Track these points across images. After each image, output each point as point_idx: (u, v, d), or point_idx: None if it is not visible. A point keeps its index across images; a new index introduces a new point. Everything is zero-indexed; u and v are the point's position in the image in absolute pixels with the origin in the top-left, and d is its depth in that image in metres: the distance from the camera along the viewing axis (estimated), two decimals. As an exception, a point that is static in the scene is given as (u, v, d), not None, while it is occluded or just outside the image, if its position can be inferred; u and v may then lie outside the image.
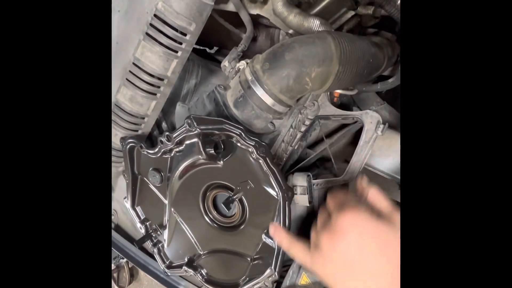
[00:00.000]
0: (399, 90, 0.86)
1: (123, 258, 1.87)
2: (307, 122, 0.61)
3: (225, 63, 0.59)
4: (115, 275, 1.88)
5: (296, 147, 0.64)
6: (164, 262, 0.66)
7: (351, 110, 0.77)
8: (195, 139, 0.52)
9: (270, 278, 0.50)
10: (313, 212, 0.78)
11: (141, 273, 1.93)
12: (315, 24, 0.53)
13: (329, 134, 0.72)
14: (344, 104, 0.76)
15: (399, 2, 0.49)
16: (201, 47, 0.97)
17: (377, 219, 0.36)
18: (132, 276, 1.92)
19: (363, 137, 0.57)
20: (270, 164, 0.48)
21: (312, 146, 0.73)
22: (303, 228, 0.76)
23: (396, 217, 0.36)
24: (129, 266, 1.89)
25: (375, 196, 0.40)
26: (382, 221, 0.36)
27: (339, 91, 0.68)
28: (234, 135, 0.49)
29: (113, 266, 1.86)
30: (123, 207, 0.76)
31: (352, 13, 0.54)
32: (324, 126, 0.69)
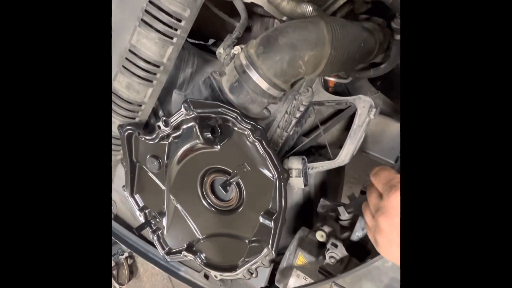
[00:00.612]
0: (393, 80, 0.87)
1: (122, 255, 1.87)
2: (302, 108, 0.62)
3: (220, 50, 0.60)
4: (114, 272, 1.88)
5: (291, 133, 0.65)
6: (163, 249, 0.67)
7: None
8: (192, 123, 0.53)
9: (267, 257, 0.51)
10: (310, 200, 0.80)
11: (141, 269, 1.94)
12: (308, 10, 0.54)
13: (324, 121, 0.73)
14: (339, 93, 0.77)
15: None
16: (197, 41, 0.97)
17: None
18: (132, 273, 1.92)
19: (356, 121, 0.58)
20: (266, 146, 0.50)
21: (307, 134, 0.74)
22: (301, 215, 0.78)
23: None
24: (129, 263, 1.89)
25: None
26: None
27: (333, 79, 0.69)
28: (231, 118, 0.51)
29: (112, 263, 1.86)
30: (121, 197, 0.76)
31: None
32: (319, 113, 0.71)
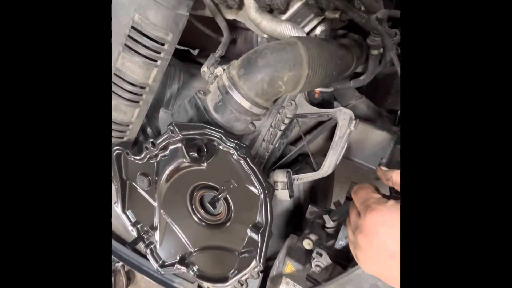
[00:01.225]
0: (378, 82, 0.90)
1: (118, 262, 1.88)
2: (286, 121, 0.65)
3: (204, 68, 0.62)
4: (111, 280, 1.89)
5: (277, 145, 0.67)
6: (157, 262, 0.69)
7: (332, 105, 0.81)
8: (179, 144, 0.55)
9: (255, 269, 0.54)
10: (300, 206, 0.83)
11: (138, 276, 1.95)
12: (287, 28, 0.57)
13: (309, 131, 0.75)
14: (325, 100, 0.80)
15: (362, 7, 0.53)
16: (185, 48, 0.99)
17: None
18: (129, 279, 1.93)
19: (337, 133, 0.61)
20: (250, 164, 0.52)
21: (294, 142, 0.77)
22: (291, 221, 0.81)
23: None
24: (125, 269, 1.90)
25: (399, 176, 0.41)
26: None
27: (319, 89, 0.72)
28: (215, 138, 0.53)
29: (109, 271, 1.85)
30: (114, 212, 0.78)
31: (320, 18, 0.58)
32: (304, 123, 0.73)
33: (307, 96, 0.69)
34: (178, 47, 0.94)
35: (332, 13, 0.55)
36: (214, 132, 0.52)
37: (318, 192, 0.90)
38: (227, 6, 0.63)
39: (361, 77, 0.68)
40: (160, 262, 0.68)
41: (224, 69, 0.55)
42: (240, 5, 0.60)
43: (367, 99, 0.86)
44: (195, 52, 1.03)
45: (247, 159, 0.52)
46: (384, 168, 0.46)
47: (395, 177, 0.42)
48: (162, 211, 0.65)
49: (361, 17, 0.51)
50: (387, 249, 0.37)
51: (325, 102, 0.79)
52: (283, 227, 0.81)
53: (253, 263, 0.53)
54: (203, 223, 0.61)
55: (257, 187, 0.52)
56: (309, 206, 0.73)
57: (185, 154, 0.53)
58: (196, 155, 0.53)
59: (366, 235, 0.39)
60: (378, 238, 0.38)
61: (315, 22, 0.60)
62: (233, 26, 0.71)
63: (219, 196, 0.54)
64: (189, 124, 0.53)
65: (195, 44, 0.98)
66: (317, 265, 0.55)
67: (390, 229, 0.37)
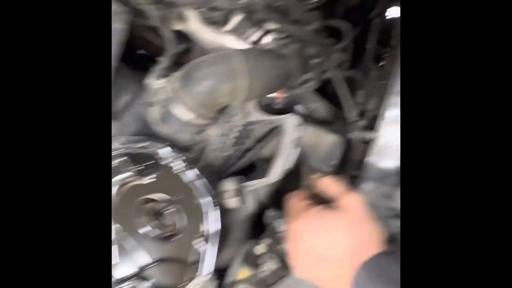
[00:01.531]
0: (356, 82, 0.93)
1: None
2: (237, 129, 0.66)
3: (149, 80, 0.62)
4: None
5: (231, 152, 0.68)
6: (114, 277, 0.67)
7: (292, 109, 0.84)
8: (124, 158, 0.54)
9: (206, 278, 0.55)
10: (264, 209, 0.84)
11: None
12: (228, 40, 0.58)
13: (265, 136, 0.77)
14: (287, 105, 0.82)
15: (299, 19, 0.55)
16: (150, 53, 0.97)
17: (324, 212, 0.41)
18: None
19: (285, 139, 0.63)
20: (195, 174, 0.53)
21: (251, 149, 0.78)
22: (254, 226, 0.82)
23: (343, 199, 0.41)
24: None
25: (326, 184, 0.46)
26: (329, 210, 0.41)
27: (278, 95, 0.74)
28: (160, 151, 0.53)
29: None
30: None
31: (261, 30, 0.60)
32: (258, 130, 0.75)
33: (260, 103, 0.71)
34: (144, 52, 0.93)
35: (271, 25, 0.57)
36: (158, 144, 0.52)
37: (284, 194, 0.92)
38: (172, 18, 0.63)
39: (309, 84, 0.71)
40: (117, 277, 0.67)
41: (167, 82, 0.56)
42: (181, 17, 0.60)
43: (326, 102, 0.89)
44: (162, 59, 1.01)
45: (192, 170, 0.52)
46: (313, 177, 0.48)
47: (321, 184, 0.45)
48: (115, 225, 0.64)
49: (296, 29, 0.53)
50: (313, 254, 0.39)
51: (286, 108, 0.81)
52: (245, 233, 0.82)
53: (202, 272, 0.54)
54: (155, 236, 0.61)
55: (203, 197, 0.53)
56: (267, 210, 0.75)
57: (131, 167, 0.53)
58: (141, 168, 0.53)
59: (293, 242, 0.41)
60: (303, 244, 0.40)
61: (257, 34, 0.61)
62: (186, 34, 0.71)
63: (167, 208, 0.55)
64: (132, 137, 0.53)
65: (153, 52, 0.97)
66: (268, 268, 0.57)
67: (313, 235, 0.40)
